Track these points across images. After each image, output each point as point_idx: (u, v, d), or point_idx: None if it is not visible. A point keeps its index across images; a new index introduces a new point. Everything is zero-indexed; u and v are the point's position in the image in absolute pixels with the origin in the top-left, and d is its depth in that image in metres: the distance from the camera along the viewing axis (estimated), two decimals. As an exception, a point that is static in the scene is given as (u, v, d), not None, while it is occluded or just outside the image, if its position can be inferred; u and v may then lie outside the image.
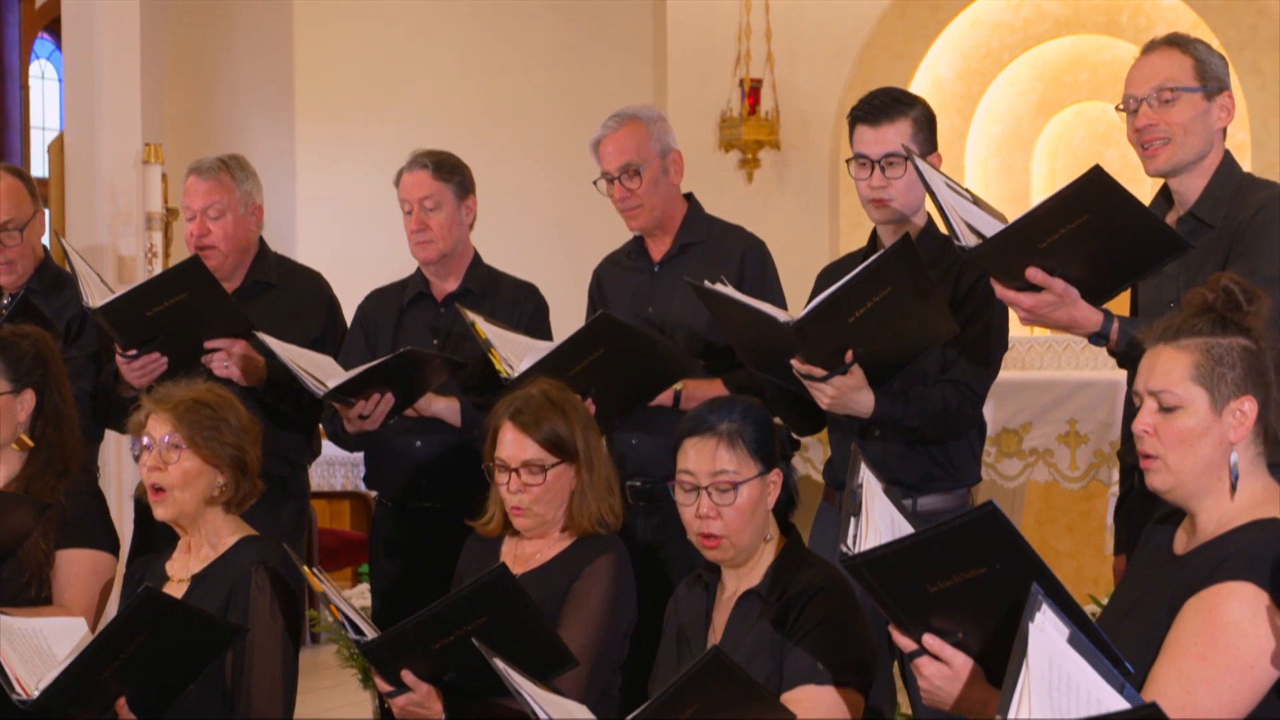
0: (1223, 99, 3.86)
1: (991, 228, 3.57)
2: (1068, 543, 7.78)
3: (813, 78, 8.64)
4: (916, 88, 8.14)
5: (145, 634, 3.69)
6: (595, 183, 4.76)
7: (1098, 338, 3.69)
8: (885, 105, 4.17)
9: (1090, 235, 3.50)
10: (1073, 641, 2.60)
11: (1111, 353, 3.76)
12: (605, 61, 9.94)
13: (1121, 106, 3.91)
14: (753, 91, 8.66)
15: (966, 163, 8.48)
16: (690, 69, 8.91)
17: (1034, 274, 3.57)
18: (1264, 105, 7.54)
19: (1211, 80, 3.84)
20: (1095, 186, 3.44)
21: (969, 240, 3.57)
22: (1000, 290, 3.65)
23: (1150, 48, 3.91)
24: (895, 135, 4.13)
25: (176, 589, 4.00)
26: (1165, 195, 3.97)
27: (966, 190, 3.71)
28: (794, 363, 3.89)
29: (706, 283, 4.01)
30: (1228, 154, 3.90)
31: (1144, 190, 4.03)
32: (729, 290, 3.97)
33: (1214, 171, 3.86)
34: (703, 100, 8.73)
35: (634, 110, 4.82)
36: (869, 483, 3.14)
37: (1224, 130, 3.90)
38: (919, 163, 3.74)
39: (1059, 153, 8.42)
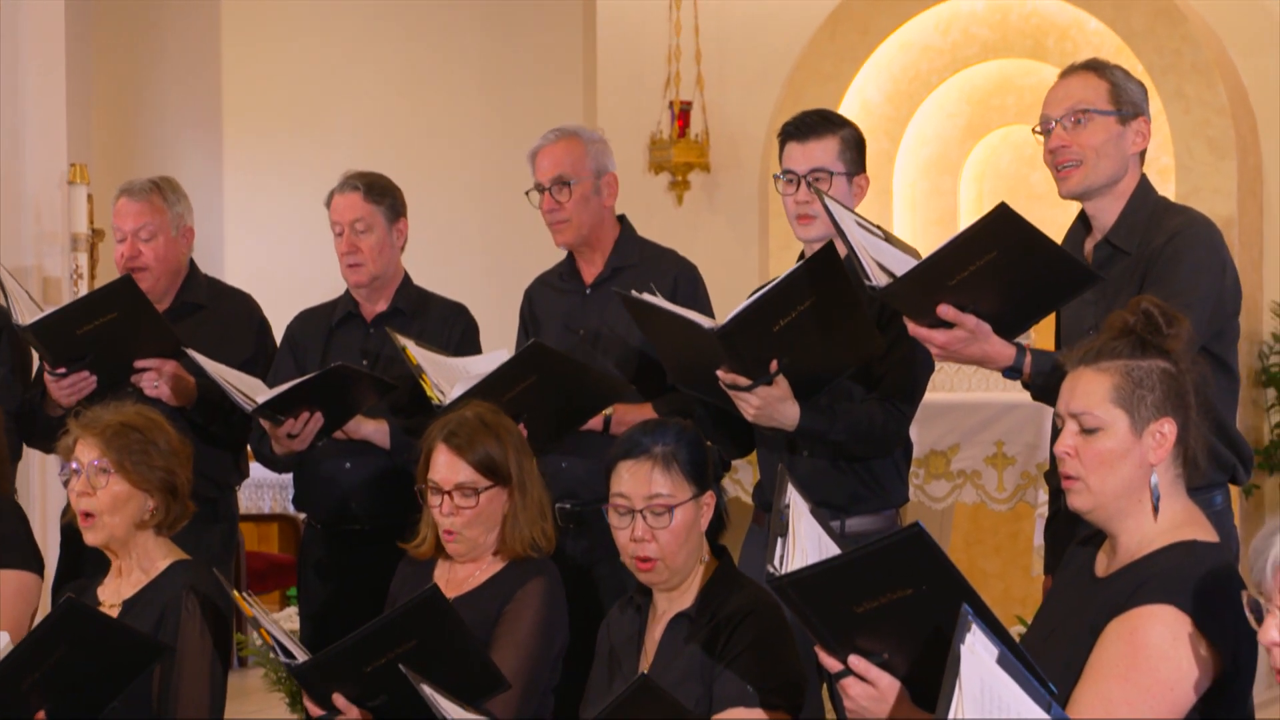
0: (1138, 124, 3.87)
1: (903, 265, 3.57)
2: (995, 563, 7.83)
3: (742, 100, 8.67)
4: (845, 110, 8.16)
5: (66, 646, 3.66)
6: (527, 193, 4.77)
7: (1011, 371, 3.69)
8: (814, 123, 4.22)
9: (1000, 271, 3.50)
10: (1001, 662, 2.62)
11: (1025, 386, 3.76)
12: (535, 83, 9.94)
13: (1037, 128, 3.94)
14: (682, 114, 8.68)
15: (894, 185, 8.52)
16: (620, 91, 8.93)
17: (945, 310, 3.56)
18: (1187, 130, 7.61)
19: (1127, 105, 3.85)
20: (1002, 223, 3.45)
21: (879, 279, 3.57)
22: (913, 328, 3.64)
23: (1067, 71, 3.94)
24: (822, 152, 4.17)
25: (109, 614, 3.96)
26: (1084, 220, 4.00)
27: (878, 228, 3.71)
28: (719, 373, 3.91)
29: (634, 292, 4.02)
30: (1144, 179, 3.92)
31: (1068, 214, 4.06)
32: (656, 299, 3.99)
33: (1129, 197, 3.88)
34: (632, 122, 8.73)
35: (576, 128, 4.85)
36: (796, 503, 3.15)
37: (1141, 156, 3.91)
38: (828, 202, 3.73)
39: (986, 176, 8.47)
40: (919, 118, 8.53)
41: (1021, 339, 3.76)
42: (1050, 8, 8.05)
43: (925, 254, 3.59)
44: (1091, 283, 3.62)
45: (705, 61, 8.70)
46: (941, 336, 3.61)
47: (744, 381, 3.90)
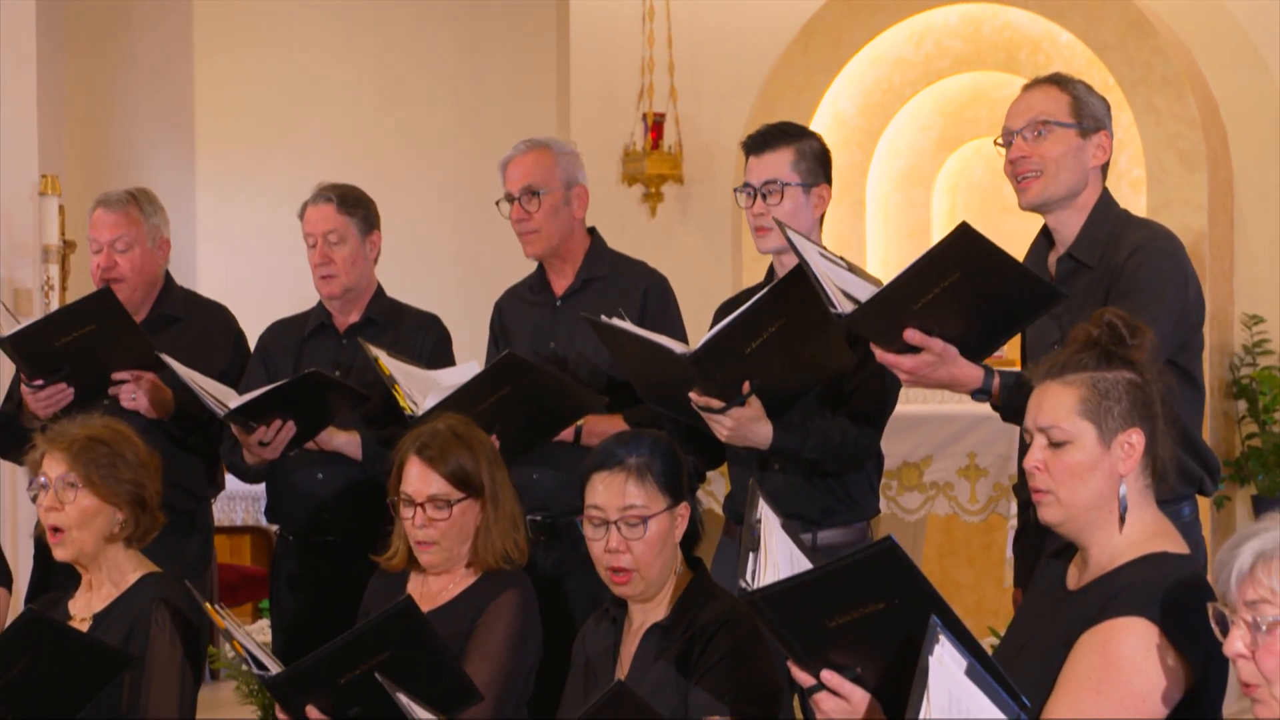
0: (1099, 138, 3.88)
1: (868, 293, 3.56)
2: (968, 575, 7.85)
3: (716, 112, 8.68)
4: (819, 122, 8.17)
5: (28, 658, 3.65)
6: (498, 203, 4.78)
7: (980, 394, 3.68)
8: (769, 134, 4.25)
9: (964, 292, 3.49)
10: (970, 673, 2.63)
11: (995, 407, 3.75)
12: (508, 95, 9.94)
13: (999, 140, 3.95)
14: (656, 125, 8.68)
15: (868, 197, 8.53)
16: (593, 103, 8.93)
17: (912, 335, 3.55)
18: (1159, 142, 7.64)
19: (1088, 119, 3.86)
20: (964, 243, 3.44)
21: (844, 307, 3.55)
22: (880, 354, 3.63)
23: (1030, 85, 3.96)
24: (775, 162, 4.20)
25: (79, 629, 3.95)
26: (1047, 235, 4.01)
27: (841, 259, 3.70)
28: (692, 395, 3.91)
29: (603, 317, 4.03)
30: (1105, 193, 3.92)
31: (1039, 226, 4.07)
32: (625, 324, 3.99)
33: (1091, 210, 3.89)
34: (606, 134, 8.73)
35: (548, 139, 4.86)
36: (767, 517, 3.16)
37: (1102, 170, 3.91)
38: (790, 234, 3.71)
39: (959, 188, 8.49)
40: (892, 130, 8.55)
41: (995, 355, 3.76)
42: (1022, 20, 8.08)
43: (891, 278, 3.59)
44: (1056, 301, 3.61)
45: (678, 73, 8.71)
46: (909, 362, 3.60)
47: (717, 404, 3.90)
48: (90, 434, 4.00)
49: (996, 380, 3.67)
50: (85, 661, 3.74)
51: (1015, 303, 3.58)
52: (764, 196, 4.19)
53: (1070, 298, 3.73)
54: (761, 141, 4.24)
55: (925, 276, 3.48)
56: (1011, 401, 3.63)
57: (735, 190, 4.30)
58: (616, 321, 4.00)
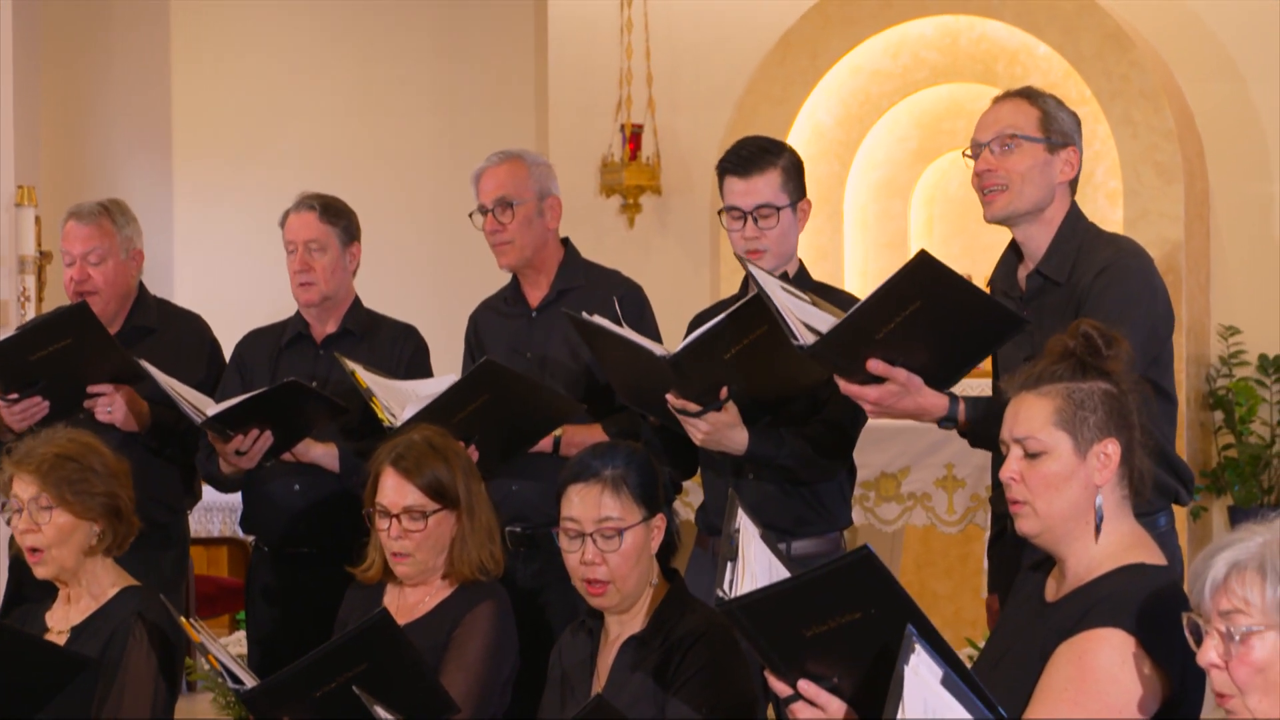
0: (1067, 153, 3.86)
1: (829, 326, 3.54)
2: (946, 586, 7.85)
3: (694, 123, 8.69)
4: (796, 134, 8.19)
5: None
6: (471, 215, 4.78)
7: (946, 421, 3.66)
8: (754, 156, 4.20)
9: (925, 321, 3.47)
10: (945, 683, 2.63)
11: (962, 434, 3.74)
12: (487, 106, 9.95)
13: (967, 152, 3.94)
14: (634, 137, 8.69)
15: (845, 208, 8.55)
16: (571, 114, 8.94)
17: (875, 365, 3.54)
18: (1135, 154, 7.66)
19: (1056, 134, 3.84)
20: (923, 272, 3.42)
21: (807, 339, 3.54)
22: (844, 386, 3.62)
23: (1000, 98, 3.94)
24: (765, 185, 4.17)
25: (56, 641, 3.94)
26: (1016, 249, 4.00)
27: (806, 294, 3.69)
28: (669, 398, 3.91)
29: (584, 314, 4.02)
30: (1074, 207, 3.91)
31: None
32: (606, 323, 3.99)
33: (1059, 226, 3.87)
34: (584, 145, 8.74)
35: (520, 151, 4.86)
36: (746, 527, 3.16)
37: (1071, 185, 3.90)
38: (752, 268, 3.71)
39: (936, 199, 8.51)
40: (869, 141, 8.56)
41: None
42: (999, 33, 8.10)
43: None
44: (1019, 327, 3.59)
45: (656, 85, 8.72)
46: (874, 393, 3.58)
47: (693, 408, 3.90)
48: (57, 451, 3.97)
49: (962, 407, 3.65)
50: (44, 666, 3.73)
51: (978, 330, 3.56)
52: (755, 220, 4.18)
53: (1040, 314, 3.73)
54: (747, 163, 4.19)
55: (885, 306, 3.46)
56: (982, 431, 3.61)
57: (720, 212, 4.25)
58: (599, 319, 3.99)
